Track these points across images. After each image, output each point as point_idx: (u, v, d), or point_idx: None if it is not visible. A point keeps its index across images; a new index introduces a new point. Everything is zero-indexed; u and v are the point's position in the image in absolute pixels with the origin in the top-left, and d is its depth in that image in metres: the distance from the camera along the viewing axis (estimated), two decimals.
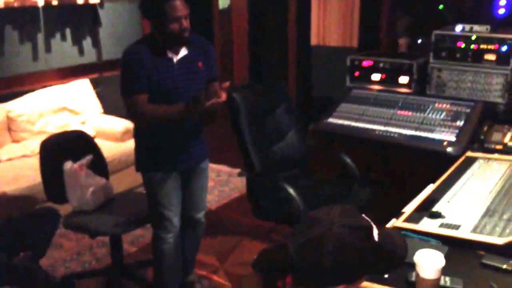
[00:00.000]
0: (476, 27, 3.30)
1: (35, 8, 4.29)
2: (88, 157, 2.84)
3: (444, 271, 1.56)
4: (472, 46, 3.27)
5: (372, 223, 1.22)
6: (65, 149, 2.88)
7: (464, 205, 2.09)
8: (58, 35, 4.53)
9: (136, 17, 5.05)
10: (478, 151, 2.76)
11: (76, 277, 3.12)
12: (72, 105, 4.34)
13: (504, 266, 1.67)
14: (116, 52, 4.68)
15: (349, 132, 3.31)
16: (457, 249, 1.79)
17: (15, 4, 4.11)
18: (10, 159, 3.88)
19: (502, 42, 3.17)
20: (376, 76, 3.64)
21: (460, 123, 3.11)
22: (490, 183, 2.30)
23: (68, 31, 4.60)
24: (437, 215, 1.99)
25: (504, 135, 2.84)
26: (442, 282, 1.58)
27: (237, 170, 4.70)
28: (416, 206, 2.10)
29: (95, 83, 4.66)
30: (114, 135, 4.29)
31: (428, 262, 1.54)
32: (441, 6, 3.99)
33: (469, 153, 2.74)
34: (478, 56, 3.26)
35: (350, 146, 3.21)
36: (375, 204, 3.01)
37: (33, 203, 3.44)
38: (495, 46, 3.19)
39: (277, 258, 1.24)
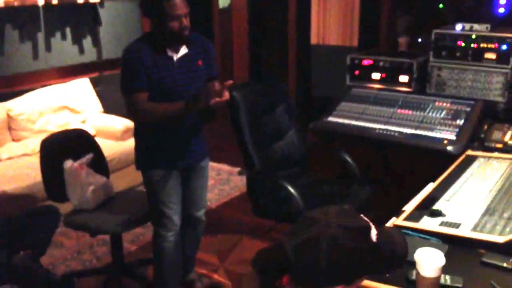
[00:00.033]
0: (476, 26, 3.30)
1: (35, 7, 4.28)
2: (89, 156, 2.84)
3: (445, 270, 1.56)
4: (472, 45, 3.27)
5: (370, 223, 1.22)
6: (65, 147, 2.88)
7: (465, 204, 2.09)
8: (58, 34, 4.53)
9: (136, 16, 5.05)
10: (478, 150, 2.77)
11: (77, 276, 3.12)
12: (72, 104, 4.34)
13: (505, 265, 1.67)
14: (116, 51, 4.68)
15: (349, 131, 3.31)
16: (457, 248, 1.79)
17: (15, 3, 4.11)
18: (10, 158, 3.88)
19: (502, 41, 3.17)
20: (376, 75, 3.64)
21: (460, 121, 3.11)
22: (490, 181, 2.30)
23: (68, 30, 4.60)
24: (437, 214, 1.99)
25: (504, 133, 2.84)
26: (442, 281, 1.58)
27: (237, 169, 4.70)
28: (417, 204, 2.10)
29: (95, 82, 4.66)
30: (114, 134, 4.29)
31: (429, 260, 1.54)
32: (441, 5, 3.99)
33: (469, 152, 2.74)
34: (478, 55, 3.26)
35: (350, 145, 3.22)
36: (375, 203, 3.01)
37: (34, 202, 3.44)
38: (495, 45, 3.19)
39: (274, 258, 1.24)
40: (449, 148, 2.93)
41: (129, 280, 3.05)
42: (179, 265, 2.78)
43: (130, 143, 3.26)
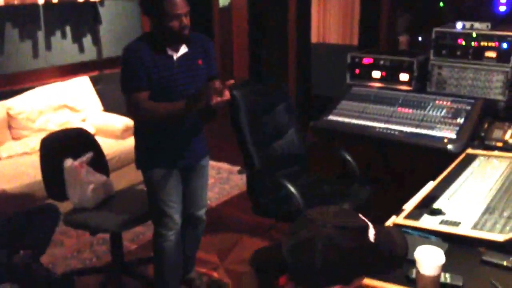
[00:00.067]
0: (477, 25, 3.29)
1: (35, 5, 4.28)
2: (88, 155, 2.84)
3: (445, 268, 1.56)
4: (473, 44, 3.27)
5: (368, 223, 1.21)
6: (65, 146, 2.88)
7: (465, 202, 2.09)
8: (58, 33, 4.53)
9: (136, 14, 5.05)
10: (478, 148, 2.76)
11: (77, 274, 3.12)
12: (72, 103, 4.34)
13: (505, 263, 1.67)
14: (116, 49, 4.68)
15: (349, 130, 3.30)
16: (457, 246, 1.79)
17: (15, 2, 4.11)
18: (10, 157, 3.87)
19: (502, 39, 3.17)
20: (376, 74, 3.64)
21: (460, 120, 3.10)
22: (491, 180, 2.30)
23: (68, 29, 4.59)
24: (437, 212, 1.99)
25: (505, 132, 2.84)
26: (442, 279, 1.58)
27: (237, 168, 4.70)
28: (417, 203, 2.10)
29: (95, 81, 4.65)
30: (114, 132, 4.28)
31: (429, 258, 1.54)
32: (441, 4, 3.99)
33: (470, 150, 2.74)
34: (478, 54, 3.26)
35: (350, 144, 3.21)
36: (375, 202, 3.01)
37: (33, 201, 3.44)
38: (495, 44, 3.19)
39: (271, 258, 1.24)
40: (449, 146, 2.93)
41: (129, 279, 3.04)
42: (179, 265, 2.78)
43: (130, 141, 3.26)
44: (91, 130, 4.09)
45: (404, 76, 3.52)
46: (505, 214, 1.96)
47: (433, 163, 2.72)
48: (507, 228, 1.84)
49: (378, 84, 3.62)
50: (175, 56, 2.46)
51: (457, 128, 3.04)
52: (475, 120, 3.08)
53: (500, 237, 1.78)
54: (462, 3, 3.84)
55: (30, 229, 2.44)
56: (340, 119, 3.38)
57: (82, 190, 2.79)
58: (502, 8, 3.54)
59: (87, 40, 4.77)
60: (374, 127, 3.23)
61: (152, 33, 2.46)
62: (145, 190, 2.69)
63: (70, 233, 3.52)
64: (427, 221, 1.94)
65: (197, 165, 2.71)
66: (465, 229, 1.86)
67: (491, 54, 3.20)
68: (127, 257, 3.18)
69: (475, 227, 1.87)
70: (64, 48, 4.59)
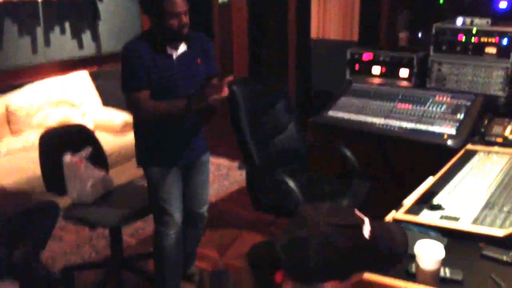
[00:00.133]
0: (477, 20, 3.29)
1: (34, 1, 4.27)
2: (87, 150, 2.83)
3: (444, 263, 1.56)
4: (473, 39, 3.27)
5: (364, 220, 1.20)
6: (64, 142, 2.87)
7: (464, 198, 2.09)
8: (57, 28, 4.51)
9: (135, 10, 5.03)
10: (478, 144, 2.76)
11: (76, 269, 3.13)
12: (71, 98, 4.33)
13: (505, 258, 1.67)
14: (116, 45, 4.67)
15: (349, 126, 3.30)
16: (457, 241, 1.79)
17: None
18: (9, 152, 3.87)
19: (502, 35, 3.16)
20: (376, 70, 3.64)
21: (460, 116, 3.10)
22: (490, 176, 2.30)
23: (67, 25, 4.58)
24: (437, 207, 1.99)
25: (505, 128, 2.84)
26: (442, 274, 1.58)
27: (237, 163, 4.70)
28: (416, 198, 2.10)
29: (94, 76, 4.65)
30: (113, 128, 4.28)
31: (428, 253, 1.54)
32: (441, 1, 3.98)
33: (469, 146, 2.74)
34: (478, 49, 3.26)
35: (350, 140, 3.21)
36: (375, 197, 3.01)
37: (33, 196, 3.43)
38: (495, 39, 3.19)
39: (266, 255, 1.24)
40: (449, 142, 2.93)
41: (129, 274, 3.04)
42: (180, 263, 2.77)
43: (130, 137, 3.25)
44: (90, 125, 4.09)
45: (404, 72, 3.51)
46: (505, 209, 1.96)
47: (433, 158, 2.72)
48: (507, 223, 1.84)
49: (378, 80, 3.62)
50: (175, 55, 2.45)
51: (457, 124, 3.04)
52: (475, 116, 3.08)
53: (500, 232, 1.78)
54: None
55: (30, 229, 2.43)
56: (340, 115, 3.38)
57: (81, 185, 2.79)
58: (503, 5, 3.54)
59: (86, 36, 4.76)
60: (374, 123, 3.23)
61: (151, 32, 2.45)
62: (144, 185, 2.69)
63: (69, 228, 3.52)
64: (427, 216, 1.94)
65: (198, 162, 2.70)
66: (465, 224, 1.86)
67: (491, 50, 3.20)
68: (127, 252, 3.17)
69: (475, 222, 1.87)
70: (63, 43, 4.58)
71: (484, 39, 3.23)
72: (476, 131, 2.92)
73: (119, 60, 2.45)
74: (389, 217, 1.97)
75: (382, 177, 3.21)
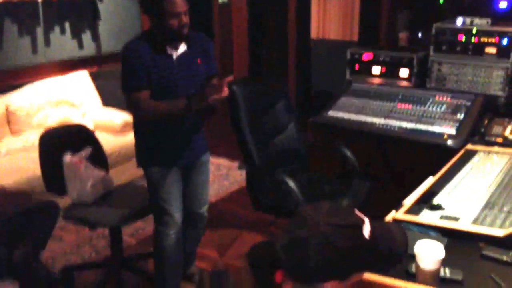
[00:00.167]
0: (477, 20, 3.29)
1: (34, 1, 4.27)
2: (87, 150, 2.83)
3: (444, 263, 1.56)
4: (473, 39, 3.27)
5: (364, 219, 1.20)
6: (64, 142, 2.87)
7: (464, 198, 2.09)
8: (57, 29, 4.51)
9: (135, 10, 5.03)
10: (478, 144, 2.76)
11: (76, 269, 3.13)
12: (71, 98, 4.33)
13: (505, 258, 1.67)
14: (116, 45, 4.67)
15: (349, 125, 3.30)
16: (457, 241, 1.79)
17: None
18: (9, 152, 3.87)
19: (502, 35, 3.16)
20: (376, 70, 3.64)
21: (460, 116, 3.10)
22: (490, 176, 2.30)
23: (67, 25, 4.58)
24: (437, 207, 1.99)
25: (505, 128, 2.84)
26: (442, 274, 1.58)
27: (237, 163, 4.70)
28: (416, 198, 2.10)
29: (94, 76, 4.65)
30: (113, 128, 4.28)
31: (428, 253, 1.54)
32: (441, 1, 3.98)
33: (469, 146, 2.74)
34: (478, 49, 3.26)
35: (350, 140, 3.21)
36: (375, 198, 3.01)
37: (33, 196, 3.43)
38: (495, 39, 3.19)
39: (266, 255, 1.24)
40: (449, 142, 2.93)
41: (129, 274, 3.04)
42: (180, 263, 2.77)
43: (130, 137, 3.25)
44: (90, 125, 4.09)
45: (404, 72, 3.51)
46: (505, 209, 1.96)
47: (433, 159, 2.72)
48: (507, 223, 1.84)
49: (378, 80, 3.62)
50: (175, 55, 2.45)
51: (457, 124, 3.04)
52: (475, 116, 3.08)
53: (500, 232, 1.78)
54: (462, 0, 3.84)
55: (31, 229, 2.43)
56: (340, 115, 3.38)
57: (81, 185, 2.79)
58: (503, 5, 3.54)
59: (86, 36, 4.75)
60: (374, 123, 3.23)
61: (151, 32, 2.45)
62: (144, 185, 2.69)
63: (69, 228, 3.52)
64: (426, 216, 1.94)
65: (198, 162, 2.70)
66: (465, 224, 1.86)
67: (491, 50, 3.20)
68: (127, 252, 3.17)
69: (475, 222, 1.87)
70: (63, 43, 4.57)
71: (484, 39, 3.23)
72: (476, 131, 2.92)
73: (119, 60, 2.45)
74: (389, 217, 1.97)
75: (382, 177, 3.20)
